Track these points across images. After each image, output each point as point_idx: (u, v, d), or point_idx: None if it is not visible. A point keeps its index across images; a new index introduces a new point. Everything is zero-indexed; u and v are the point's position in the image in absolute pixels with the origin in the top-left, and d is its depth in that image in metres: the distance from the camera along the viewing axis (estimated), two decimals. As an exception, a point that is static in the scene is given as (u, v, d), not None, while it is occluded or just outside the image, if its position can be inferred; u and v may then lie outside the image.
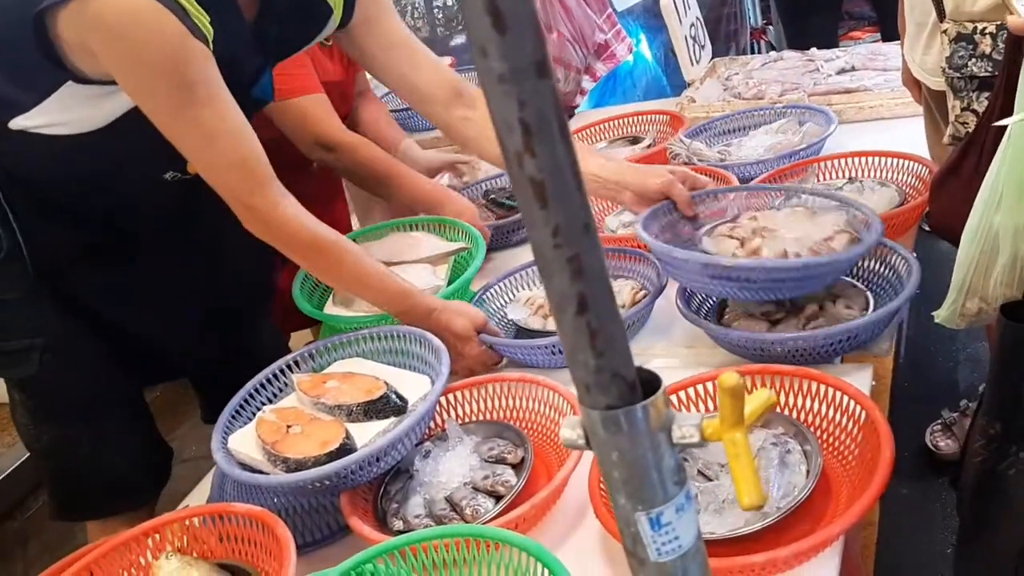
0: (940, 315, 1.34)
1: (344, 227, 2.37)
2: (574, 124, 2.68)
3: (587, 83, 3.22)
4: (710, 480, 1.15)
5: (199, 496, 1.50)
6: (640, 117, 2.45)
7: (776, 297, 1.37)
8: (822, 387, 1.22)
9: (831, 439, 1.20)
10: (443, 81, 1.59)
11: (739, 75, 2.60)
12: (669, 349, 1.52)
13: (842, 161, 1.87)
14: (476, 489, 1.26)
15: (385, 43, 1.56)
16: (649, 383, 0.47)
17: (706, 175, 1.92)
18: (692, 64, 2.69)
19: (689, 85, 2.62)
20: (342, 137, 1.96)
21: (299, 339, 2.38)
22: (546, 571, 0.96)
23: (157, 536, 1.23)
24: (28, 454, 3.27)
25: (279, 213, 1.35)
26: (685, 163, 2.02)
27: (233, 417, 1.39)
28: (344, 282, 1.52)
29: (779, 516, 1.06)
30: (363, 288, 1.49)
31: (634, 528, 0.49)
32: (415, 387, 1.37)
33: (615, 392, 0.46)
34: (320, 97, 1.95)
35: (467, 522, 1.21)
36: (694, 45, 2.75)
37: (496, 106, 0.40)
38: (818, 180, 1.85)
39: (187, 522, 1.24)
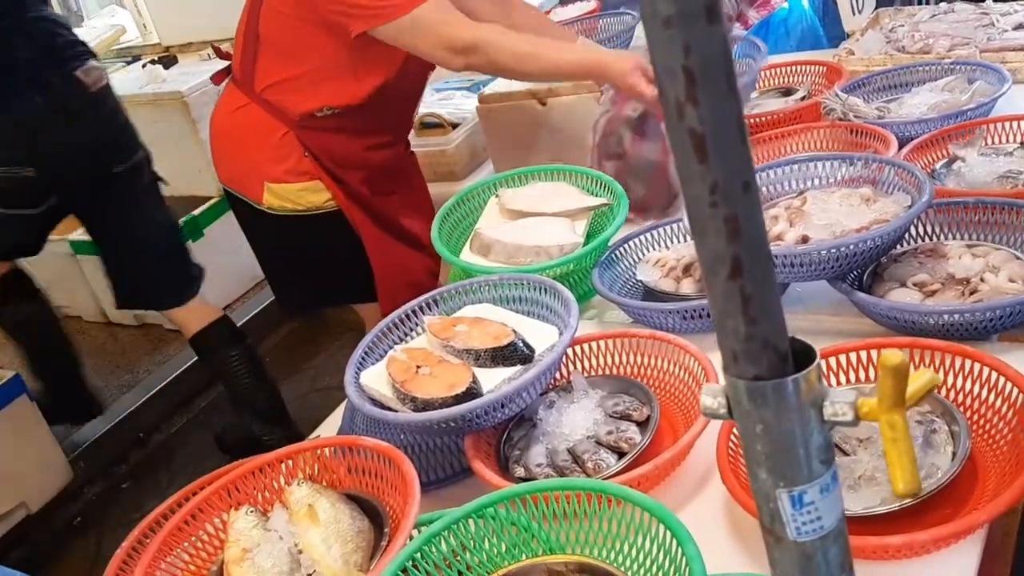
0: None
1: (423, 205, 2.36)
2: (720, 74, 2.58)
3: (737, 31, 3.09)
4: (847, 455, 1.10)
5: (331, 426, 1.55)
6: (794, 68, 2.33)
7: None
8: (976, 366, 1.14)
9: (982, 421, 1.13)
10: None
11: (904, 27, 2.43)
12: (812, 315, 1.46)
13: (1014, 124, 1.73)
14: (599, 443, 1.25)
15: None
16: (803, 354, 0.44)
17: (862, 133, 1.83)
18: (854, 13, 2.53)
19: (849, 36, 2.47)
20: (474, 34, 1.83)
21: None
22: (668, 532, 0.94)
23: (290, 462, 1.28)
24: (176, 374, 3.51)
25: None
26: (840, 119, 1.91)
27: (366, 354, 1.42)
28: None
29: (919, 498, 1.00)
30: None
31: (773, 504, 0.46)
32: (543, 337, 1.36)
33: (765, 362, 0.43)
34: (435, 2, 1.81)
35: (588, 475, 1.20)
36: (857, -7, 2.58)
37: (659, 51, 0.37)
38: (987, 143, 1.72)
39: (318, 452, 1.29)
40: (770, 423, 0.44)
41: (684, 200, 0.41)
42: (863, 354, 1.20)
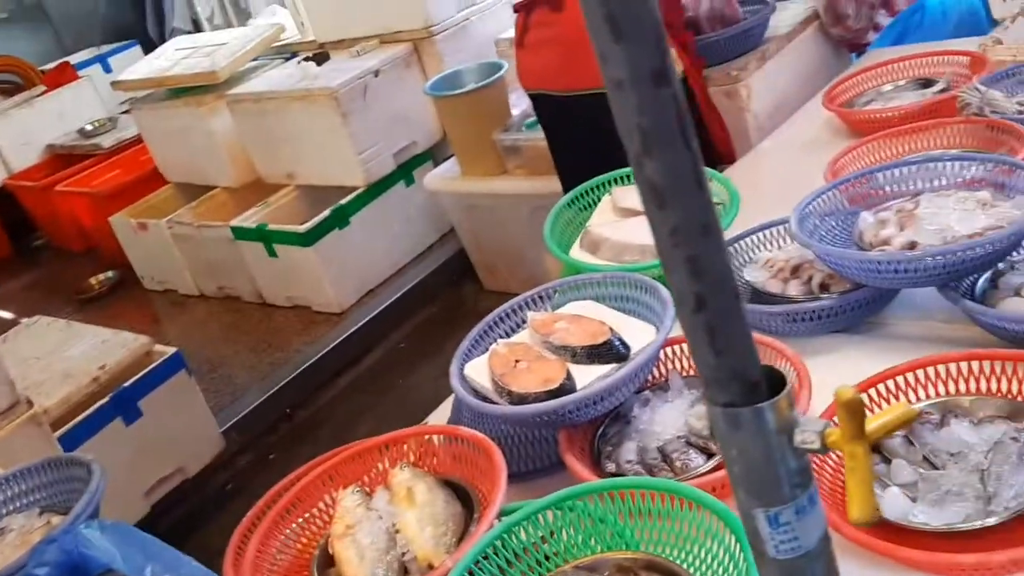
0: None
1: None
2: (861, 63, 2.50)
3: (883, 18, 2.98)
4: (935, 468, 1.08)
5: (442, 413, 1.64)
6: (935, 58, 2.22)
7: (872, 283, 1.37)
8: (1088, 383, 1.09)
9: (1091, 442, 1.08)
10: None
11: (1063, 12, 2.27)
12: (923, 322, 1.42)
13: None
14: (689, 444, 1.27)
15: None
16: (776, 383, 0.47)
17: (999, 130, 1.74)
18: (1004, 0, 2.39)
19: (998, 24, 2.33)
20: None
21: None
22: (734, 537, 0.96)
23: (402, 447, 1.37)
24: (322, 353, 3.72)
25: None
26: (976, 114, 1.82)
27: (472, 346, 1.49)
28: None
29: (1005, 517, 0.98)
30: None
31: (753, 523, 0.49)
32: (642, 335, 1.39)
33: (735, 390, 0.46)
34: None
35: (676, 475, 1.22)
36: (1012, -24, 2.43)
37: (617, 110, 0.41)
38: None
39: (424, 438, 1.38)
40: (744, 447, 0.47)
41: (653, 240, 0.44)
42: (963, 365, 1.17)
